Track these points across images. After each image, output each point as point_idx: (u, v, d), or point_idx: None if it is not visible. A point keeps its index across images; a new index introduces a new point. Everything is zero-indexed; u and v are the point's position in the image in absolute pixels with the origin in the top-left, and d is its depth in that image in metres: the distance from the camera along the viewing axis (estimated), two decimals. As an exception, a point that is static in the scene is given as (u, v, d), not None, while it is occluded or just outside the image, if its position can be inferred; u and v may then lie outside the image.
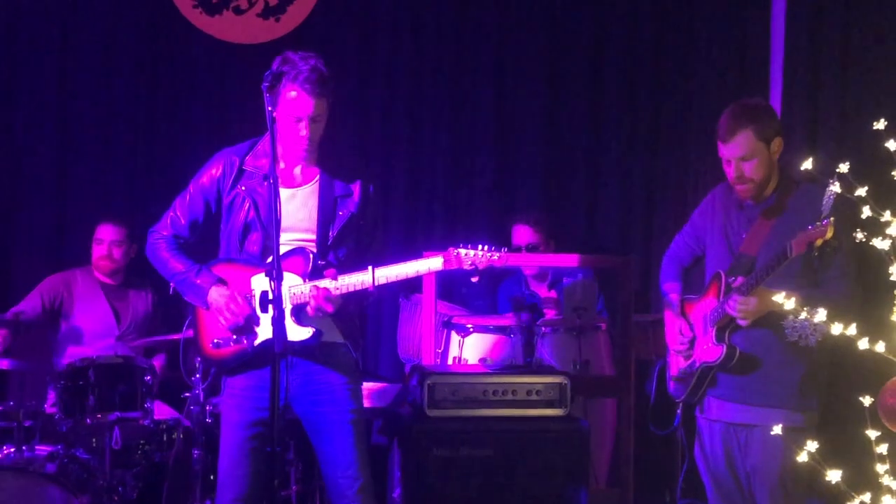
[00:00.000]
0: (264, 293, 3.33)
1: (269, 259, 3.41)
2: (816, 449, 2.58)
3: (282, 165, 3.48)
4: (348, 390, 3.47)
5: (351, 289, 3.31)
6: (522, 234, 5.30)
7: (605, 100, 5.94)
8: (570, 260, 4.74)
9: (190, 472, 4.52)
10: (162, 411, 4.87)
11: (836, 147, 4.70)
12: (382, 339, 5.67)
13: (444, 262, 3.34)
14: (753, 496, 3.57)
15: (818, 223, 3.17)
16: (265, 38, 5.71)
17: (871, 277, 3.21)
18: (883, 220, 2.52)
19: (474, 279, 3.39)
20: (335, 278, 3.31)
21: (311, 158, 3.48)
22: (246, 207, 3.44)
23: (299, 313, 3.37)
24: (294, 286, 3.35)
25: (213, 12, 5.70)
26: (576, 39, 5.93)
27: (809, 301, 2.64)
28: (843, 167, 2.59)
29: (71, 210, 5.61)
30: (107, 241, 5.21)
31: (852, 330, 2.50)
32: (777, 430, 2.83)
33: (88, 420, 4.39)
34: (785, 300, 2.59)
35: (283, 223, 3.42)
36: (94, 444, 4.44)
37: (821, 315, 2.54)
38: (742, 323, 3.47)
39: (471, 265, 3.34)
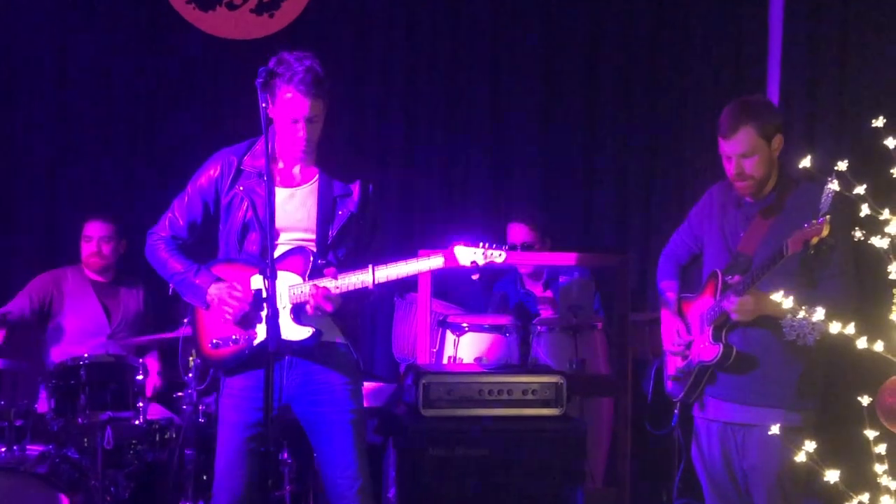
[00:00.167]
0: (259, 292, 3.33)
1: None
2: (814, 449, 2.58)
3: (280, 165, 3.48)
4: (348, 390, 3.47)
5: (351, 288, 3.31)
6: (518, 232, 5.30)
7: (601, 97, 5.94)
8: (569, 258, 4.74)
9: (182, 472, 4.52)
10: (154, 411, 4.87)
11: (835, 144, 4.71)
12: (377, 339, 5.67)
13: (445, 260, 3.33)
14: (750, 496, 3.57)
15: (814, 221, 3.17)
16: (259, 34, 5.70)
17: (870, 276, 3.22)
18: (882, 218, 2.52)
19: (475, 276, 3.39)
20: (335, 277, 3.31)
21: (310, 158, 3.47)
22: (244, 207, 3.44)
23: (299, 313, 3.37)
24: (294, 285, 3.35)
25: (207, 8, 5.69)
26: (571, 37, 5.94)
27: (807, 302, 2.64)
28: (842, 165, 2.59)
29: (63, 208, 5.60)
30: (95, 237, 5.20)
31: (851, 329, 2.50)
32: (775, 429, 2.83)
33: (80, 419, 4.38)
34: (783, 299, 2.58)
35: (283, 223, 3.43)
36: (85, 444, 4.43)
37: (819, 314, 2.54)
38: (734, 318, 3.47)
39: (472, 263, 3.34)
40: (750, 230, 3.57)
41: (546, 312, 5.07)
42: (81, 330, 5.11)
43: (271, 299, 3.07)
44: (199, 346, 3.53)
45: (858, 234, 2.59)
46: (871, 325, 2.62)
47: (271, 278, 3.08)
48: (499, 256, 3.34)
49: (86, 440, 4.44)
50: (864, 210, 2.53)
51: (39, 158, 5.63)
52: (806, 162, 2.67)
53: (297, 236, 3.44)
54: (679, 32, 5.88)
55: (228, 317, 3.40)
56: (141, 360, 4.68)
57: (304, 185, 3.48)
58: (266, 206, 3.29)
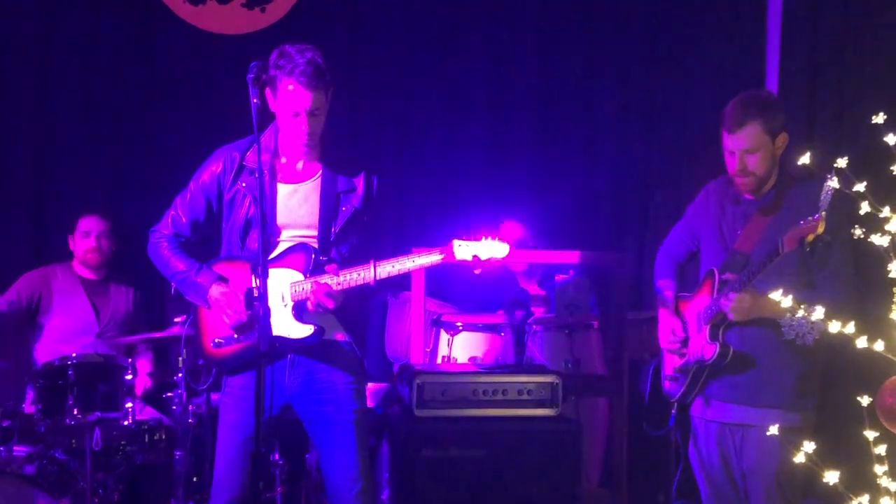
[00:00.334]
0: (249, 290, 3.32)
1: (272, 256, 3.41)
2: (813, 450, 2.58)
3: (283, 160, 3.48)
4: (352, 390, 3.47)
5: (352, 284, 3.30)
6: (512, 230, 5.28)
7: (598, 92, 5.94)
8: (566, 257, 4.74)
9: (172, 474, 4.51)
10: (144, 412, 4.86)
11: (834, 141, 4.70)
12: (370, 338, 5.65)
13: (447, 255, 3.33)
14: (749, 498, 3.57)
15: (809, 218, 3.17)
16: (250, 28, 5.68)
17: (870, 275, 3.21)
18: (882, 216, 2.51)
19: (477, 271, 3.39)
20: (337, 274, 3.30)
21: (313, 153, 3.47)
22: (247, 204, 3.44)
23: (301, 310, 3.36)
24: (295, 283, 3.35)
25: (197, 2, 5.67)
26: (569, 30, 5.93)
27: (806, 301, 2.63)
28: (842, 162, 2.58)
29: (50, 204, 5.58)
30: (94, 232, 5.20)
31: (850, 328, 2.50)
32: (773, 430, 2.83)
33: (68, 420, 4.37)
34: (781, 298, 2.58)
35: (285, 219, 3.44)
36: (73, 445, 4.42)
37: (818, 313, 2.54)
38: (730, 317, 3.47)
39: (473, 258, 3.33)
40: (748, 228, 3.56)
41: (539, 311, 5.06)
42: (70, 329, 5.10)
43: (262, 298, 3.06)
44: (201, 345, 3.53)
45: (858, 231, 2.59)
46: (871, 324, 2.62)
47: (262, 277, 3.07)
48: (501, 250, 3.33)
49: (74, 441, 4.42)
50: (864, 207, 2.52)
51: (26, 154, 5.60)
52: (805, 159, 2.67)
53: (299, 233, 3.44)
54: (678, 27, 5.87)
55: (227, 320, 3.41)
56: (130, 360, 4.67)
57: (308, 181, 3.47)
58: (266, 202, 3.33)
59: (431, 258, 3.33)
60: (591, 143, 5.93)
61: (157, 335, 4.75)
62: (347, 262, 3.36)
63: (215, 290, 3.42)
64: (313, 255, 3.37)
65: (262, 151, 3.44)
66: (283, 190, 3.45)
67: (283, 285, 3.36)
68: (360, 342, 3.53)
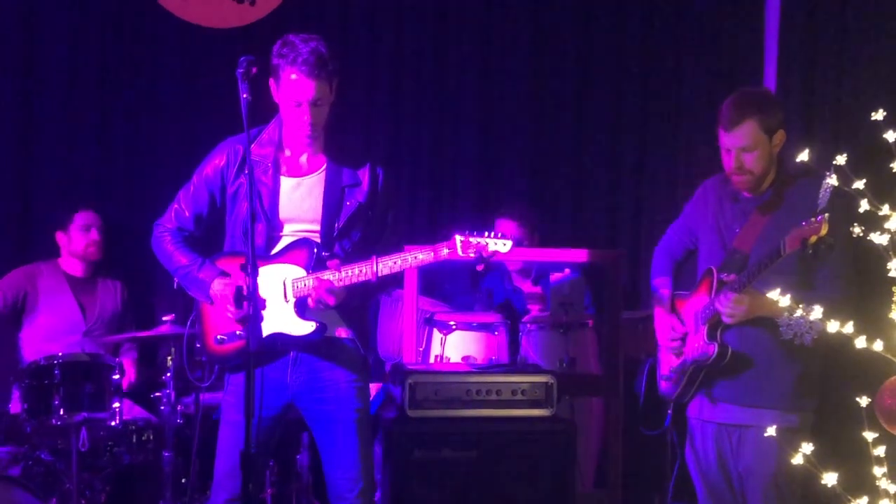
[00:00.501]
0: (239, 288, 3.31)
1: (274, 251, 3.40)
2: (811, 451, 2.58)
3: (287, 153, 3.47)
4: (355, 388, 3.46)
5: (353, 280, 3.29)
6: (506, 228, 5.29)
7: (592, 89, 5.93)
8: (561, 255, 4.73)
9: (160, 475, 4.50)
10: (132, 411, 4.85)
11: (833, 138, 4.71)
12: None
13: (449, 251, 3.32)
14: (746, 499, 3.57)
15: (812, 219, 3.16)
16: (239, 21, 5.66)
17: (869, 273, 3.22)
18: (881, 213, 2.52)
19: (479, 268, 3.38)
20: (338, 270, 3.29)
21: (317, 145, 3.47)
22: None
23: (302, 307, 3.36)
24: (297, 279, 3.35)
25: (185, -6, 5.65)
26: (562, 26, 5.92)
27: (804, 301, 2.64)
28: (841, 159, 2.59)
29: (36, 201, 5.55)
30: (94, 226, 5.19)
31: (849, 328, 2.50)
32: (771, 431, 2.83)
33: (54, 420, 4.36)
34: (779, 298, 2.58)
35: (288, 214, 3.43)
36: (59, 446, 4.41)
37: (816, 313, 2.54)
38: (727, 320, 3.47)
39: (475, 254, 3.31)
40: (746, 226, 3.56)
41: (535, 309, 5.06)
42: (56, 327, 5.08)
43: (252, 296, 3.05)
44: (204, 342, 3.52)
45: (857, 230, 2.59)
46: (870, 323, 2.62)
47: (252, 275, 3.06)
48: (503, 246, 3.32)
49: (60, 442, 4.42)
50: (864, 205, 2.53)
51: (7, 149, 5.58)
52: (804, 156, 2.67)
53: (302, 227, 3.44)
54: (673, 23, 5.87)
55: (230, 315, 3.39)
56: (118, 360, 4.66)
57: (311, 175, 3.47)
58: (271, 196, 3.34)
59: (434, 254, 3.32)
60: (585, 140, 5.93)
61: (146, 333, 4.74)
62: (350, 258, 3.36)
63: (217, 286, 3.41)
64: (315, 251, 3.36)
65: (266, 144, 3.46)
66: (286, 183, 3.44)
67: (285, 281, 3.36)
68: (363, 339, 3.52)
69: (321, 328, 3.37)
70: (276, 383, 3.42)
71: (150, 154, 5.57)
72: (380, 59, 5.83)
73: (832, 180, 2.65)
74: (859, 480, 2.63)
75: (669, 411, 3.85)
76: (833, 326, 2.51)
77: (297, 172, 3.46)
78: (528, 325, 4.76)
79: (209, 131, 3.63)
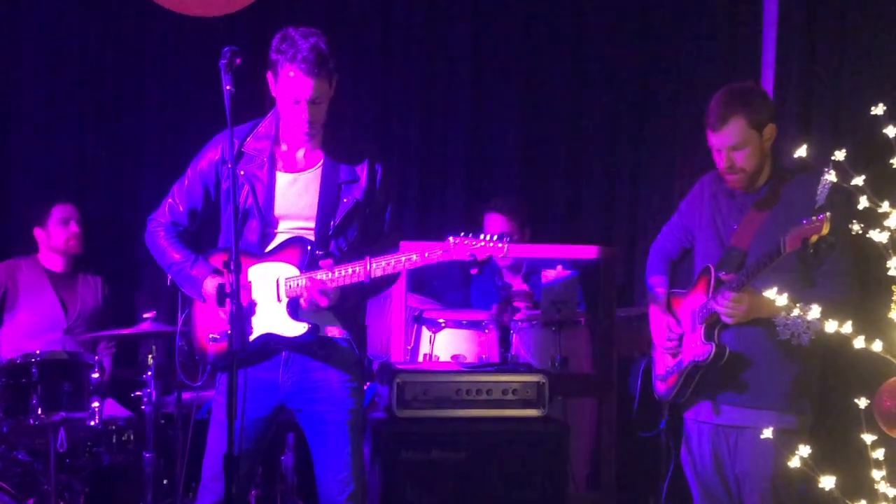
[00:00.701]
0: (222, 286, 3.30)
1: (269, 248, 3.39)
2: (809, 453, 2.58)
3: (284, 148, 3.45)
4: (349, 388, 3.44)
5: (347, 281, 3.28)
6: (495, 222, 5.29)
7: (587, 82, 5.93)
8: (553, 251, 4.73)
9: (141, 476, 4.49)
10: (112, 409, 4.83)
11: (832, 134, 4.71)
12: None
13: (443, 252, 3.31)
14: (743, 502, 3.57)
15: (814, 218, 3.15)
16: (224, 10, 5.62)
17: (869, 272, 3.22)
18: (881, 210, 2.52)
19: (473, 271, 3.38)
20: (332, 270, 3.28)
21: (315, 141, 3.44)
22: (244, 193, 3.41)
23: (294, 307, 3.34)
24: (290, 278, 3.33)
25: (169, -19, 5.62)
26: (557, 20, 5.92)
27: (803, 301, 2.63)
28: (839, 155, 2.58)
29: (15, 194, 5.53)
30: (72, 218, 5.17)
31: (848, 328, 2.50)
32: (767, 433, 2.83)
33: (31, 420, 4.34)
34: (777, 296, 2.58)
35: (283, 210, 3.41)
36: (37, 446, 4.39)
37: (814, 312, 2.54)
38: (727, 320, 3.47)
39: (470, 257, 3.30)
40: (744, 223, 3.56)
41: (522, 306, 5.05)
42: (36, 325, 5.06)
43: (235, 295, 3.04)
44: (196, 340, 3.51)
45: (856, 227, 2.59)
46: (869, 323, 2.62)
47: (236, 272, 3.05)
48: (501, 250, 3.30)
49: (38, 442, 4.40)
50: (863, 202, 2.52)
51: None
52: (801, 151, 2.66)
53: (297, 225, 3.42)
54: (670, 19, 5.87)
55: (223, 314, 3.37)
56: (97, 358, 4.64)
57: (308, 171, 3.44)
58: (266, 192, 3.32)
59: (427, 256, 3.30)
60: (579, 136, 5.93)
61: (127, 331, 4.72)
62: (347, 257, 3.34)
63: (210, 283, 3.39)
64: (309, 249, 3.34)
65: (263, 138, 3.44)
66: (282, 179, 3.42)
67: (278, 280, 3.34)
68: (359, 340, 3.50)
69: (313, 329, 3.35)
70: (268, 383, 3.40)
71: (131, 148, 5.54)
72: (368, 49, 5.82)
73: (831, 176, 2.64)
74: (858, 483, 2.64)
75: (665, 412, 3.85)
76: (831, 326, 2.51)
77: (293, 168, 3.45)
78: (520, 323, 4.76)
79: (193, 124, 3.62)
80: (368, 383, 4.70)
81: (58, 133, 5.56)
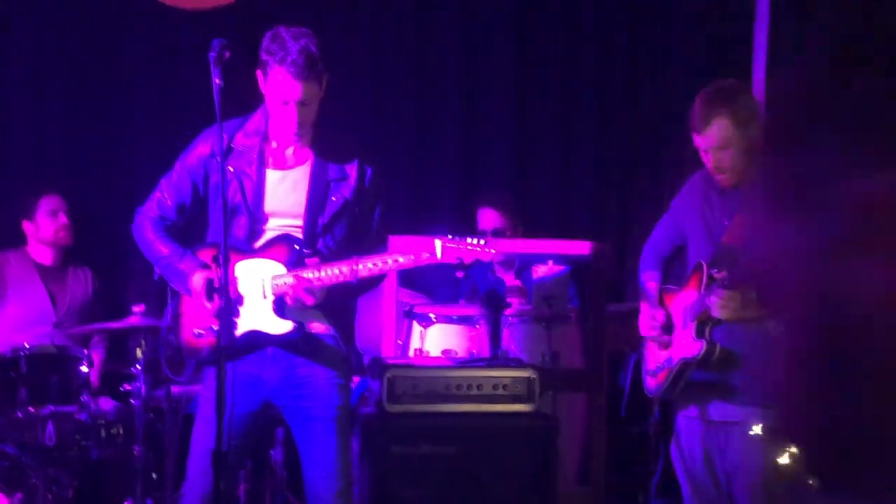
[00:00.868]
0: (210, 280, 3.29)
1: (258, 244, 3.38)
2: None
3: (273, 145, 3.45)
4: (335, 385, 3.44)
5: (333, 280, 3.27)
6: (488, 217, 5.28)
7: (580, 78, 5.92)
8: (544, 246, 4.73)
9: (130, 470, 4.47)
10: (100, 403, 4.81)
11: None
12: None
13: (430, 256, 3.30)
14: (733, 499, 3.57)
15: None
16: (215, 2, 5.61)
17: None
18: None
19: (459, 274, 3.38)
20: (319, 269, 3.27)
21: (305, 140, 3.43)
22: (233, 188, 3.40)
23: (280, 305, 3.33)
24: (277, 276, 3.32)
25: (159, -27, 5.59)
26: (549, 15, 5.91)
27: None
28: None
29: (2, 187, 5.50)
30: (61, 210, 5.14)
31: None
32: (757, 429, 2.83)
33: (20, 414, 4.33)
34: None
35: (272, 207, 3.41)
36: (25, 440, 4.38)
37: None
38: (716, 315, 3.47)
39: (457, 259, 3.30)
40: (736, 219, 3.56)
41: (515, 302, 5.05)
42: (25, 318, 5.04)
43: (223, 290, 3.03)
44: (181, 335, 3.50)
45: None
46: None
47: (224, 266, 3.04)
48: (488, 254, 3.30)
49: (26, 435, 4.38)
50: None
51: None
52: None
53: (285, 222, 3.41)
54: (661, 14, 5.87)
55: (209, 308, 3.37)
56: (86, 351, 4.63)
57: (297, 168, 3.44)
58: (255, 188, 3.32)
59: (413, 258, 3.30)
60: (570, 131, 5.92)
61: (116, 325, 4.71)
62: (334, 256, 3.34)
63: (198, 278, 3.38)
64: (297, 247, 3.34)
65: (252, 134, 3.43)
66: (271, 176, 3.41)
67: (264, 278, 3.33)
68: (346, 337, 3.50)
69: (299, 328, 3.35)
70: (253, 379, 3.39)
71: (121, 140, 5.52)
72: (359, 42, 5.80)
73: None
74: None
75: (655, 408, 3.85)
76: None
77: (282, 165, 3.44)
78: (510, 319, 4.75)
79: (184, 116, 3.61)
80: (359, 378, 4.71)
81: (46, 125, 5.54)
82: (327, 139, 3.46)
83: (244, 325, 3.33)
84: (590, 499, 4.57)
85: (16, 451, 4.33)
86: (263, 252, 3.35)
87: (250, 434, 3.49)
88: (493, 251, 3.28)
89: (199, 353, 3.46)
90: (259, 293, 3.33)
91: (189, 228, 3.60)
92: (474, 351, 4.57)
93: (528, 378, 3.95)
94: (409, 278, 5.14)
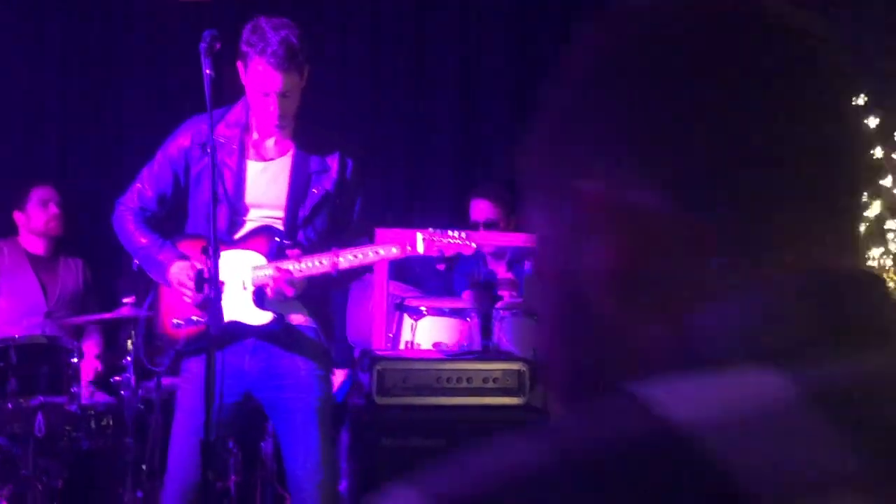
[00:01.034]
0: (200, 271, 3.29)
1: (238, 235, 3.37)
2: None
3: (255, 136, 3.45)
4: (316, 377, 3.45)
5: (314, 272, 3.28)
6: (481, 209, 5.27)
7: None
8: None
9: (121, 461, 4.47)
10: (95, 397, 4.81)
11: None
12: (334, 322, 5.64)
13: (411, 248, 3.31)
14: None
15: None
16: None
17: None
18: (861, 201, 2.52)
19: (441, 267, 3.39)
20: (299, 260, 3.27)
21: (286, 131, 3.43)
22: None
23: (260, 296, 3.33)
24: (257, 267, 3.32)
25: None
26: (546, 5, 5.91)
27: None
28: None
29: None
30: (52, 200, 5.13)
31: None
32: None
33: (9, 405, 4.31)
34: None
35: (253, 199, 3.42)
36: (15, 431, 4.37)
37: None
38: None
39: (438, 252, 3.31)
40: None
41: (507, 295, 5.04)
42: (16, 309, 5.03)
43: (213, 281, 3.03)
44: (161, 325, 3.51)
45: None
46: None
47: (214, 257, 3.04)
48: (469, 248, 3.30)
49: (16, 426, 4.38)
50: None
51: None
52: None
53: (266, 213, 3.41)
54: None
55: (187, 300, 3.36)
56: (77, 343, 4.62)
57: (278, 160, 3.44)
58: (235, 179, 3.33)
59: (394, 251, 3.31)
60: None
61: (107, 316, 4.71)
62: (315, 248, 3.34)
63: (176, 269, 3.38)
64: (277, 239, 3.34)
65: (233, 126, 3.43)
66: (252, 167, 3.41)
67: (244, 269, 3.33)
68: (326, 329, 3.50)
69: (278, 319, 3.35)
70: (234, 370, 3.39)
71: (112, 131, 5.52)
72: (354, 32, 5.79)
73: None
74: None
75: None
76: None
77: (263, 156, 3.44)
78: (502, 312, 4.74)
79: (176, 107, 3.61)
80: (347, 370, 4.71)
81: (38, 116, 5.53)
82: (309, 131, 3.47)
83: (224, 315, 3.33)
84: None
85: (5, 442, 4.32)
86: (244, 243, 3.35)
87: (233, 424, 3.50)
88: (473, 245, 3.29)
89: (177, 343, 3.46)
90: (239, 284, 3.33)
91: (169, 219, 3.59)
92: (465, 344, 4.57)
93: (519, 371, 3.95)
94: (400, 271, 5.13)
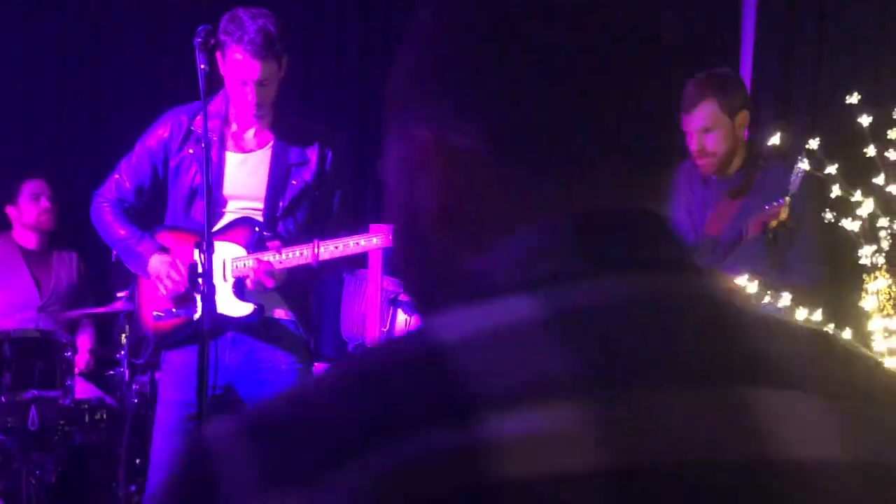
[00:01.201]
0: (194, 265, 3.28)
1: (215, 228, 3.37)
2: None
3: (234, 128, 3.43)
4: (296, 370, 3.43)
5: (294, 263, 3.27)
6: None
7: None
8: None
9: (114, 456, 4.47)
10: (84, 390, 4.81)
11: (810, 123, 4.71)
12: (325, 317, 5.63)
13: (390, 238, 3.30)
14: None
15: (774, 203, 3.17)
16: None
17: (840, 261, 3.23)
18: (854, 199, 2.52)
19: None
20: (279, 252, 3.27)
21: (265, 122, 3.43)
22: (192, 172, 3.39)
23: (240, 287, 3.33)
24: (237, 258, 3.31)
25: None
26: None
27: (775, 287, 2.64)
28: (813, 143, 2.59)
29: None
30: (43, 194, 5.12)
31: (817, 316, 2.51)
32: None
33: (3, 398, 4.30)
34: (747, 283, 2.58)
35: (232, 190, 3.40)
36: (8, 425, 4.36)
37: (785, 300, 2.54)
38: None
39: None
40: (717, 211, 3.56)
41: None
42: (9, 303, 5.02)
43: (207, 275, 3.03)
44: (141, 318, 3.50)
45: (829, 216, 2.59)
46: (840, 312, 2.63)
47: (208, 252, 3.03)
48: None
49: (9, 420, 4.37)
50: (836, 191, 2.53)
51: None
52: (775, 139, 2.67)
53: (245, 205, 3.40)
54: (647, 3, 5.85)
55: (163, 292, 3.36)
56: (72, 337, 4.61)
57: (258, 151, 3.43)
58: (215, 172, 3.29)
59: (375, 241, 3.30)
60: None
61: (101, 310, 4.70)
62: (295, 240, 3.33)
63: (155, 260, 3.38)
64: (257, 230, 3.33)
65: (213, 117, 3.40)
66: (232, 159, 3.40)
67: (224, 260, 3.33)
68: (305, 321, 3.49)
69: (259, 310, 3.34)
70: (215, 363, 3.39)
71: (105, 125, 5.51)
72: (349, 24, 5.77)
73: (804, 165, 2.65)
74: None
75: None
76: (801, 314, 2.51)
77: (242, 148, 3.43)
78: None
79: (170, 101, 3.60)
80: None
81: (31, 109, 5.53)
82: (289, 122, 3.46)
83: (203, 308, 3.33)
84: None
85: (-1, 435, 4.32)
86: (223, 235, 3.33)
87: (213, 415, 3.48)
88: None
89: (158, 334, 3.46)
90: (219, 276, 3.32)
91: (147, 211, 3.59)
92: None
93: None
94: (394, 266, 5.13)
